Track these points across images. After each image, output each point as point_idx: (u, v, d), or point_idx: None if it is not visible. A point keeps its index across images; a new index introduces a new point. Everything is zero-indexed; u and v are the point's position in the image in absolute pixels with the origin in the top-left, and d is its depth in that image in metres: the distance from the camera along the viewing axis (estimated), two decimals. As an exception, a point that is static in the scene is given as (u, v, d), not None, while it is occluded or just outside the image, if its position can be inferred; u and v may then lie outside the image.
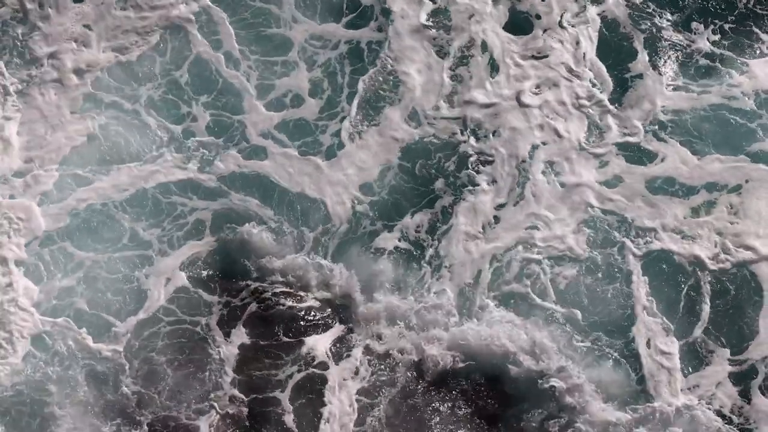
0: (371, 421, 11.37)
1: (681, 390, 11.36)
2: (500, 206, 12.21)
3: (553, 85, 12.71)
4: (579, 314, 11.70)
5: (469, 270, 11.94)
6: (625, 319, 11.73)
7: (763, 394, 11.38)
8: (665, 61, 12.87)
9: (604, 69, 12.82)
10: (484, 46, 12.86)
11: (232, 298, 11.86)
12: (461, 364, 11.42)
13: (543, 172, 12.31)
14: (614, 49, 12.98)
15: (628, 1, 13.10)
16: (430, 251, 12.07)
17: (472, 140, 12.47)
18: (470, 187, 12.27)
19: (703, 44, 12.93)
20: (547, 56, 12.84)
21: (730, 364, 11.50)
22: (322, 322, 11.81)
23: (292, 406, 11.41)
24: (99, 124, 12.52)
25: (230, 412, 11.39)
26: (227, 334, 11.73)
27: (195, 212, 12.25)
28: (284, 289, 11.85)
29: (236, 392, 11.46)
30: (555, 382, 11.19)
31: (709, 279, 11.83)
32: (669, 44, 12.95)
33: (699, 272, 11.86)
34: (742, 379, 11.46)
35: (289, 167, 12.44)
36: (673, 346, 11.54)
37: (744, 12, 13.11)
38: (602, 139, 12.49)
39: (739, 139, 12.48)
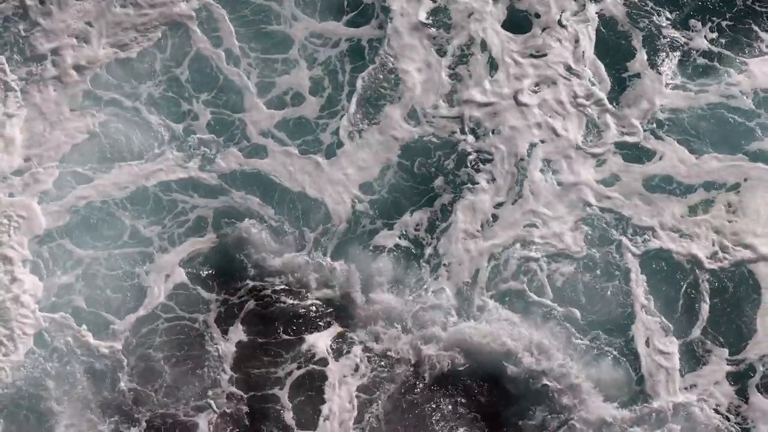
0: (370, 418, 11.21)
1: (679, 389, 11.20)
2: (499, 205, 12.05)
3: (551, 84, 12.54)
4: (577, 313, 11.54)
5: (467, 268, 11.78)
6: (624, 317, 11.56)
7: (761, 393, 11.21)
8: (664, 60, 12.69)
9: (602, 68, 12.65)
10: (484, 45, 12.69)
11: (232, 296, 11.71)
12: (460, 363, 11.27)
13: (541, 171, 12.15)
14: (612, 48, 12.81)
15: (626, 0, 12.91)
16: (429, 250, 11.91)
17: (471, 139, 12.31)
18: (469, 186, 12.11)
19: (702, 43, 12.74)
20: (545, 55, 12.67)
21: (728, 363, 11.33)
22: (322, 320, 11.65)
23: (292, 403, 11.26)
24: (99, 122, 12.35)
25: (229, 409, 11.24)
26: (226, 332, 11.58)
27: (196, 210, 12.09)
28: (284, 287, 11.70)
29: (235, 389, 11.31)
30: (553, 380, 11.04)
31: (708, 278, 11.65)
32: (667, 43, 12.76)
33: (697, 271, 11.68)
34: (740, 377, 11.30)
35: (289, 166, 12.28)
36: (672, 344, 11.38)
37: (743, 9, 12.91)
38: (600, 138, 12.32)
39: (738, 138, 12.29)
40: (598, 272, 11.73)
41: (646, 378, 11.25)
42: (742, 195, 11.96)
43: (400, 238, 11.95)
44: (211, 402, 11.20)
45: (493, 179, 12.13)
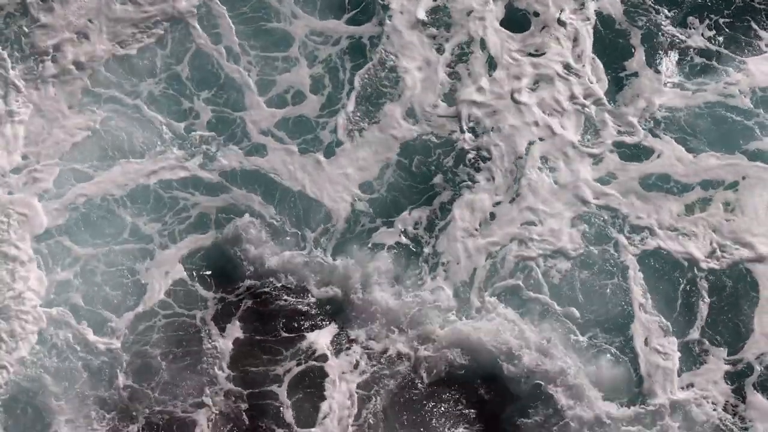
0: (368, 414, 11.01)
1: (677, 387, 10.98)
2: (497, 203, 11.87)
3: (550, 82, 12.38)
4: (575, 311, 11.33)
5: (466, 267, 11.58)
6: (622, 316, 11.35)
7: (759, 392, 10.99)
8: (662, 59, 12.51)
9: (600, 66, 12.48)
10: (483, 43, 12.54)
11: (230, 293, 11.54)
12: (458, 362, 11.06)
13: (539, 169, 11.97)
14: (610, 47, 12.63)
15: (624, -2, 12.84)
16: (428, 248, 11.73)
17: (470, 137, 12.14)
18: (468, 184, 11.94)
19: (701, 41, 12.56)
20: (544, 53, 12.51)
21: (725, 362, 11.11)
22: (321, 318, 11.46)
23: (290, 400, 11.06)
24: (99, 120, 12.16)
25: (228, 406, 11.04)
26: (225, 329, 11.39)
27: (196, 207, 11.91)
28: (283, 285, 11.52)
29: (234, 387, 11.11)
30: (552, 379, 10.85)
31: (706, 277, 11.44)
32: (666, 41, 12.58)
33: (695, 270, 11.47)
34: (738, 376, 11.07)
35: (289, 164, 12.11)
36: (670, 343, 11.17)
37: (742, 6, 12.73)
38: (598, 137, 12.15)
39: (736, 137, 12.10)
40: (596, 271, 11.53)
41: (645, 377, 11.04)
42: (740, 194, 11.76)
43: (399, 236, 11.76)
44: (210, 399, 11.01)
45: (492, 178, 11.96)
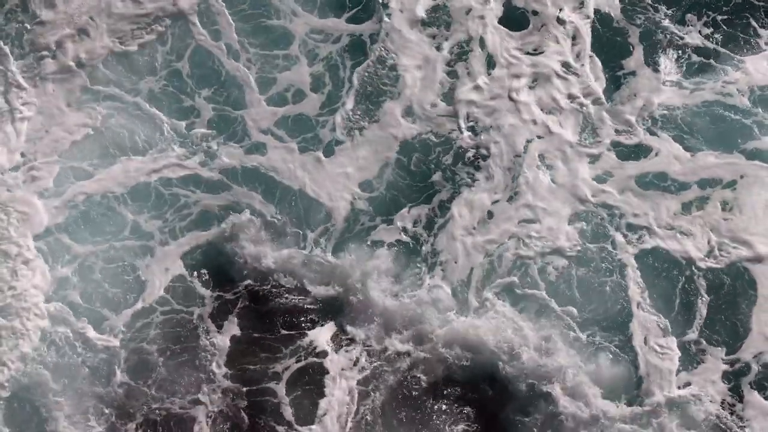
0: (366, 411, 10.84)
1: (675, 386, 10.78)
2: (496, 201, 11.68)
3: (548, 81, 12.20)
4: (574, 310, 11.14)
5: (464, 265, 11.39)
6: (620, 315, 11.15)
7: (757, 391, 10.79)
8: (660, 57, 12.31)
9: (599, 64, 12.30)
10: (482, 42, 12.35)
11: (229, 291, 11.37)
12: (457, 360, 10.88)
13: (537, 167, 11.78)
14: (609, 45, 12.45)
15: (623, -4, 12.64)
16: (427, 247, 11.54)
17: (469, 136, 11.95)
18: (466, 182, 11.76)
19: (699, 39, 12.36)
20: (543, 52, 12.32)
21: (723, 361, 10.91)
22: (320, 316, 11.29)
23: (289, 397, 10.89)
24: (99, 117, 11.97)
25: (227, 403, 10.87)
26: (223, 326, 11.23)
27: (197, 205, 11.73)
28: (282, 283, 11.34)
29: (232, 384, 10.94)
30: (551, 378, 10.69)
31: (703, 275, 11.23)
32: (664, 40, 12.38)
33: (693, 269, 11.26)
34: (736, 375, 10.87)
35: (289, 163, 11.92)
36: (668, 342, 10.97)
37: (740, 4, 12.52)
38: (596, 135, 11.97)
39: (734, 136, 11.89)
40: (594, 269, 11.34)
41: (643, 376, 10.84)
42: (738, 192, 11.55)
43: (398, 234, 11.59)
44: (206, 398, 10.84)
45: (490, 176, 11.78)
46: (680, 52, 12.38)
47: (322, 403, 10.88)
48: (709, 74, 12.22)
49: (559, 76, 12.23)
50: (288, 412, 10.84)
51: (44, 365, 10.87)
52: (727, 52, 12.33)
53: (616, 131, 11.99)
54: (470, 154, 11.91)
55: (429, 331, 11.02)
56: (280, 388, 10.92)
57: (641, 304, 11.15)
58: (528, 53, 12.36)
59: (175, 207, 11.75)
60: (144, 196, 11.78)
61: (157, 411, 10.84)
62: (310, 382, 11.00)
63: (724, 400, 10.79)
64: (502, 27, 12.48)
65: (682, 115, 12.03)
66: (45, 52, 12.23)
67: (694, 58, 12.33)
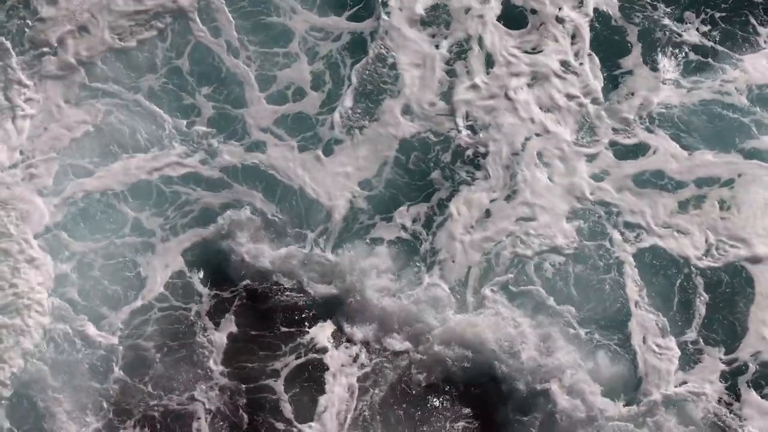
0: (366, 410, 10.65)
1: (673, 385, 10.58)
2: (494, 199, 11.49)
3: (546, 80, 12.03)
4: (572, 308, 10.93)
5: (463, 263, 11.19)
6: (618, 314, 10.95)
7: (754, 390, 10.58)
8: (658, 56, 12.14)
9: (597, 63, 12.13)
10: (480, 41, 12.18)
11: (228, 288, 11.16)
12: (456, 358, 10.66)
13: (535, 165, 11.60)
14: (607, 44, 12.28)
15: (621, -6, 12.43)
16: (425, 245, 11.34)
17: (468, 134, 11.77)
18: (465, 181, 11.57)
19: (698, 38, 12.19)
20: (542, 51, 12.15)
21: (721, 360, 10.70)
22: (318, 314, 11.07)
23: (288, 395, 10.69)
24: (100, 115, 11.78)
25: (225, 401, 10.67)
26: (222, 324, 11.03)
27: (196, 203, 11.53)
28: (281, 281, 11.14)
29: (231, 382, 10.75)
30: (549, 375, 10.52)
31: (702, 274, 11.03)
32: (662, 38, 12.21)
33: (691, 267, 11.06)
34: (734, 374, 10.66)
35: (289, 161, 11.72)
36: (666, 341, 10.77)
37: (739, 1, 12.36)
38: (593, 134, 11.79)
39: (732, 135, 11.70)
40: (593, 268, 11.14)
41: (642, 374, 10.64)
42: (736, 191, 11.36)
43: (397, 232, 11.40)
44: (204, 395, 10.64)
45: (489, 174, 11.60)
46: (679, 50, 12.20)
47: (322, 400, 10.68)
48: (708, 73, 12.05)
49: (557, 75, 12.06)
50: (287, 409, 10.64)
51: (44, 362, 10.68)
52: (726, 50, 12.15)
53: (614, 130, 11.81)
54: (469, 152, 11.73)
55: (427, 329, 10.82)
56: (278, 385, 10.73)
57: (639, 303, 10.95)
58: (527, 52, 12.19)
59: (176, 204, 11.55)
60: (145, 193, 11.58)
61: (155, 408, 10.63)
62: (309, 379, 10.81)
63: (721, 398, 10.59)
64: (501, 26, 12.31)
65: (680, 113, 11.85)
66: (46, 49, 12.01)
67: (693, 56, 12.15)
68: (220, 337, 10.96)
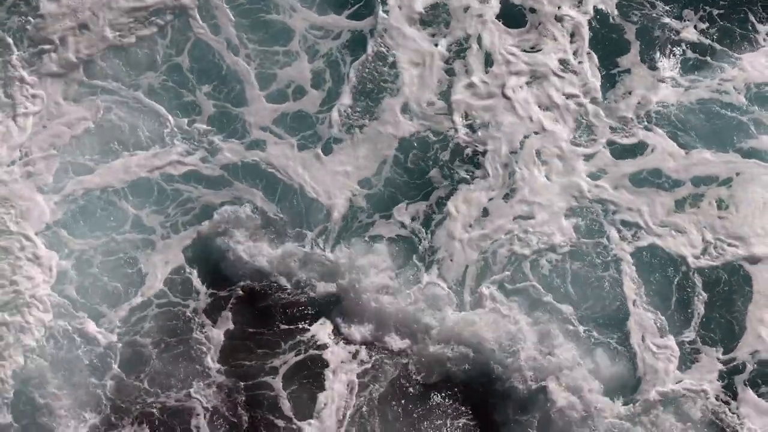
0: (365, 407, 10.49)
1: (672, 384, 10.40)
2: (492, 198, 11.31)
3: (545, 78, 11.85)
4: (570, 306, 10.76)
5: (461, 261, 11.01)
6: (616, 311, 10.77)
7: (752, 389, 10.41)
8: (656, 54, 11.97)
9: (595, 62, 11.95)
10: (479, 40, 11.99)
11: (227, 286, 10.97)
12: (455, 356, 10.50)
13: (534, 164, 11.42)
14: (605, 42, 12.10)
15: (619, -7, 12.22)
16: (424, 243, 11.15)
17: (466, 133, 11.59)
18: (464, 179, 11.39)
19: (695, 36, 12.01)
20: (540, 50, 11.97)
21: (719, 359, 10.53)
22: (317, 312, 10.89)
23: (286, 392, 10.52)
24: (100, 112, 11.58)
25: (224, 398, 10.50)
26: (220, 321, 10.85)
27: (197, 201, 11.34)
28: (280, 279, 10.94)
29: (230, 379, 10.57)
30: (548, 373, 10.36)
31: (699, 273, 10.85)
32: (660, 37, 12.03)
33: (689, 267, 10.88)
34: (732, 373, 10.49)
35: (290, 160, 11.52)
36: (664, 339, 10.59)
37: (738, -1, 12.22)
38: (591, 132, 11.62)
39: (731, 134, 11.52)
40: (591, 267, 10.96)
41: (640, 372, 10.48)
42: (734, 190, 11.18)
43: (396, 230, 11.21)
44: (202, 393, 10.47)
45: (487, 173, 11.42)
46: (677, 49, 12.02)
47: (321, 397, 10.50)
48: (706, 71, 11.87)
49: (555, 73, 11.89)
50: (287, 407, 10.46)
51: (44, 358, 10.51)
52: (725, 49, 11.97)
53: (612, 128, 11.64)
54: (467, 151, 11.54)
55: (426, 328, 10.65)
56: (277, 383, 10.55)
57: (637, 302, 10.77)
58: (525, 51, 12.00)
59: (178, 201, 11.36)
60: (145, 191, 11.38)
61: (154, 405, 10.46)
62: (309, 376, 10.63)
63: (719, 397, 10.41)
64: (500, 24, 12.13)
65: (678, 112, 11.67)
66: (47, 46, 11.80)
67: (691, 54, 11.98)
68: (219, 335, 10.79)
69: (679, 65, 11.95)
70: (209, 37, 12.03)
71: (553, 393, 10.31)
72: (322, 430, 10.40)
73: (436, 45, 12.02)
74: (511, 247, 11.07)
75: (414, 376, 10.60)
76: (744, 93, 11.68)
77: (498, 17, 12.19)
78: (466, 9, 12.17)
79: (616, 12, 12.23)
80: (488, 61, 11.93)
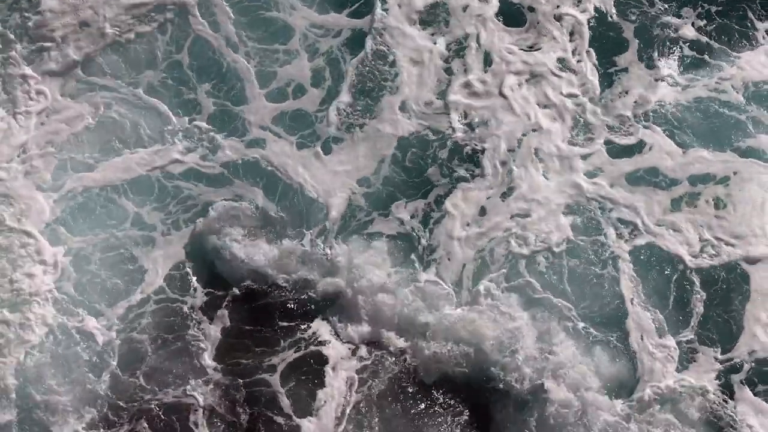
0: (364, 404, 10.30)
1: (670, 383, 10.19)
2: (490, 196, 11.13)
3: (543, 77, 11.69)
4: (568, 304, 10.55)
5: (459, 259, 10.82)
6: (614, 310, 10.57)
7: (750, 388, 10.21)
8: (654, 53, 11.79)
9: (593, 60, 11.80)
10: (478, 39, 11.84)
11: (226, 284, 10.77)
12: (454, 355, 10.29)
13: (532, 162, 11.24)
14: (603, 41, 11.94)
15: (618, -8, 12.03)
16: (423, 242, 10.95)
17: (465, 132, 11.42)
18: (462, 178, 11.21)
19: (693, 34, 11.83)
20: (539, 48, 11.81)
21: (716, 358, 10.33)
22: (316, 310, 10.70)
23: (285, 389, 10.33)
24: (100, 110, 11.41)
25: (222, 396, 10.31)
26: (218, 319, 10.66)
27: (197, 198, 11.16)
28: (278, 277, 10.72)
29: (228, 377, 10.39)
30: (547, 371, 10.16)
31: (697, 272, 10.65)
32: (659, 35, 11.86)
33: (686, 265, 10.69)
34: (729, 372, 10.29)
35: (289, 158, 11.33)
36: (662, 338, 10.40)
37: (738, -3, 12.01)
38: (589, 131, 11.45)
39: (728, 133, 11.35)
40: (587, 263, 10.77)
41: (638, 371, 10.28)
42: (731, 189, 11.00)
43: (395, 229, 11.03)
44: (201, 391, 10.29)
45: (486, 172, 11.25)
46: (675, 47, 11.85)
47: (320, 394, 10.31)
48: (704, 70, 11.69)
49: (554, 72, 11.73)
50: (286, 404, 10.26)
51: (43, 355, 10.33)
52: (723, 47, 11.79)
53: (610, 127, 11.47)
54: (466, 149, 11.37)
55: (424, 326, 10.46)
56: (275, 380, 10.37)
57: (635, 300, 10.58)
58: (524, 49, 11.85)
59: (178, 199, 11.18)
60: (146, 188, 11.19)
61: (152, 401, 10.27)
62: (307, 373, 10.44)
63: (716, 395, 10.21)
64: (499, 23, 11.98)
65: (676, 110, 11.49)
66: (47, 43, 11.62)
67: (689, 53, 11.81)
68: (216, 332, 10.61)
69: (678, 64, 11.78)
70: (209, 35, 11.86)
71: (551, 391, 10.10)
72: (320, 426, 10.21)
73: (435, 43, 11.86)
74: (508, 245, 10.89)
75: (413, 374, 10.40)
76: (742, 92, 11.50)
77: (497, 16, 12.04)
78: (466, 8, 12.02)
79: (614, 10, 12.06)
80: (487, 60, 11.77)
